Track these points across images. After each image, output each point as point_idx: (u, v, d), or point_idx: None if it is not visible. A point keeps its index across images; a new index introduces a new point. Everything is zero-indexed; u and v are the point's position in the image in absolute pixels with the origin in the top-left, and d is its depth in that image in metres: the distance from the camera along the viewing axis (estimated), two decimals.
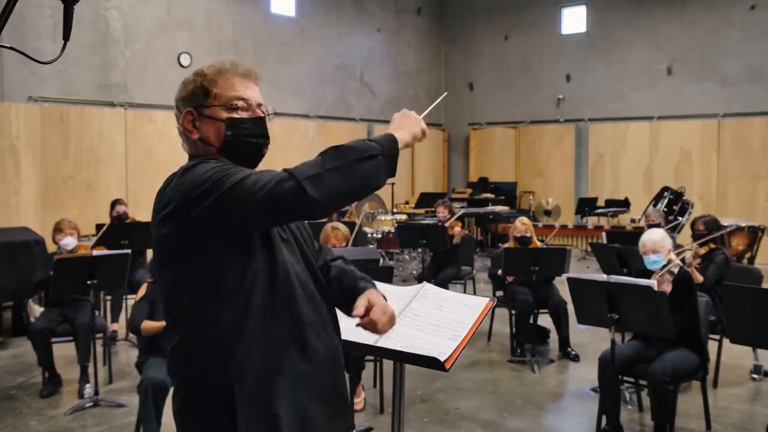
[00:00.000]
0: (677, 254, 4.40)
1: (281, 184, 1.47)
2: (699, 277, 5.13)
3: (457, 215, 8.19)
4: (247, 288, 1.58)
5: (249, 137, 1.72)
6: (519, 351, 5.92)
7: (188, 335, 1.61)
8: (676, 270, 4.26)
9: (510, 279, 6.06)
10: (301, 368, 1.63)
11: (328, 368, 1.68)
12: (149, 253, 6.36)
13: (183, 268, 1.61)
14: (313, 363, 1.64)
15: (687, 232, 8.61)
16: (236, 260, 1.58)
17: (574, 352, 5.86)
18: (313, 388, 1.64)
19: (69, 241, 5.44)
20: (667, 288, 4.13)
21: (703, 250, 5.42)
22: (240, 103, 1.72)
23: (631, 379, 4.57)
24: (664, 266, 4.28)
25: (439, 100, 1.94)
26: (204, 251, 1.58)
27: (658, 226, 6.25)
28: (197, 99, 1.75)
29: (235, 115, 1.71)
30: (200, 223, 1.54)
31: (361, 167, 1.53)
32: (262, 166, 1.73)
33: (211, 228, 1.55)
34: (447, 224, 7.46)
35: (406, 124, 1.72)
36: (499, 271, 6.05)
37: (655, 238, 4.37)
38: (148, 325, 3.99)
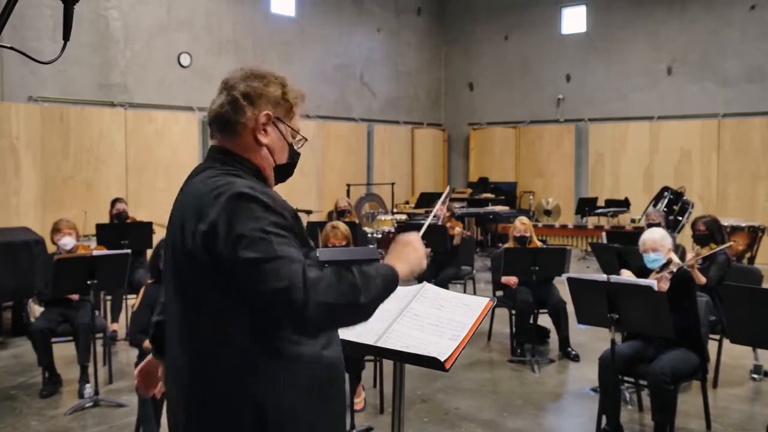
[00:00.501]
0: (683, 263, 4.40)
1: (291, 294, 1.44)
2: (702, 278, 5.14)
3: (451, 213, 8.17)
4: None
5: (293, 168, 1.80)
6: (519, 351, 5.92)
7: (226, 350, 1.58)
8: (675, 269, 4.26)
9: (514, 284, 6.00)
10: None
11: None
12: (149, 253, 6.37)
13: (219, 286, 1.58)
14: None
15: (687, 231, 8.62)
16: None
17: (574, 352, 5.86)
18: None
19: (67, 241, 5.45)
20: (665, 286, 4.13)
21: (705, 252, 5.42)
22: (299, 137, 1.79)
23: (631, 379, 4.57)
24: (664, 265, 4.28)
25: (438, 205, 1.94)
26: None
27: (658, 225, 6.25)
28: (278, 108, 1.72)
29: (295, 145, 1.78)
30: (218, 263, 1.53)
31: (366, 310, 1.55)
32: None
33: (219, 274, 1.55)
34: (447, 224, 7.46)
35: (407, 257, 1.72)
36: (504, 278, 6.02)
37: (655, 237, 4.37)
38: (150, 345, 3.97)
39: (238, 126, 1.67)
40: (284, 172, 1.77)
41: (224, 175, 1.61)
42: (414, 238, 1.76)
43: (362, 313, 1.54)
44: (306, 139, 1.81)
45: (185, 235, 1.58)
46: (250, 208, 1.51)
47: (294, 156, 1.78)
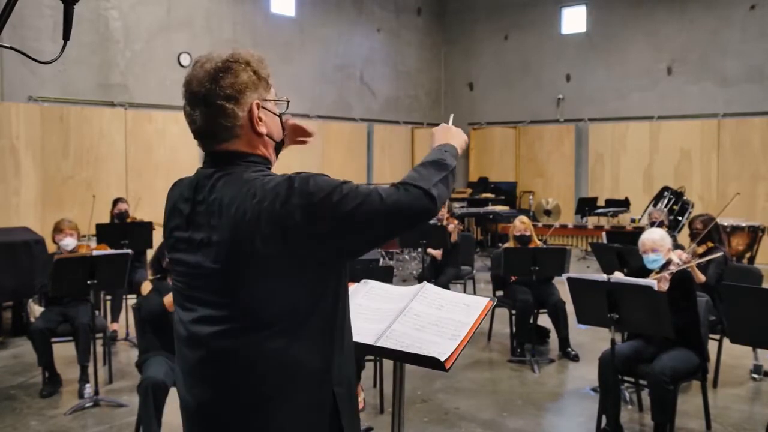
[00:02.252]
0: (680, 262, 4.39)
1: (410, 195, 1.55)
2: (701, 277, 5.14)
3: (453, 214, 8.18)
4: (340, 298, 1.63)
5: (284, 135, 1.77)
6: (519, 351, 5.92)
7: (294, 344, 1.56)
8: (675, 269, 4.26)
9: (513, 278, 6.06)
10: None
11: None
12: (149, 253, 6.36)
13: (290, 281, 1.55)
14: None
15: (687, 231, 8.61)
16: (334, 271, 1.61)
17: (574, 352, 5.86)
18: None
19: (69, 242, 5.45)
20: (665, 286, 4.13)
21: (701, 249, 5.42)
22: (282, 102, 1.74)
23: (631, 379, 4.57)
24: (664, 265, 4.28)
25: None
26: (319, 263, 1.56)
27: (661, 224, 6.26)
28: (258, 90, 1.65)
29: (280, 110, 1.73)
30: (323, 241, 1.52)
31: (449, 179, 1.68)
32: None
33: (333, 245, 1.53)
34: (445, 223, 7.46)
35: (453, 136, 1.82)
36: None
37: (654, 237, 4.37)
38: (171, 299, 3.86)
39: (235, 129, 1.62)
40: (279, 146, 1.76)
41: (257, 174, 1.60)
42: (448, 126, 1.88)
43: (452, 174, 1.70)
44: (288, 101, 1.75)
45: (252, 242, 1.52)
46: (313, 180, 1.53)
47: (285, 127, 1.75)
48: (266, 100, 1.67)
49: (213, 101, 1.59)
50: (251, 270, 1.53)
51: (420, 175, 1.62)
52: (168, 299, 3.85)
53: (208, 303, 1.60)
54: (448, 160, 1.69)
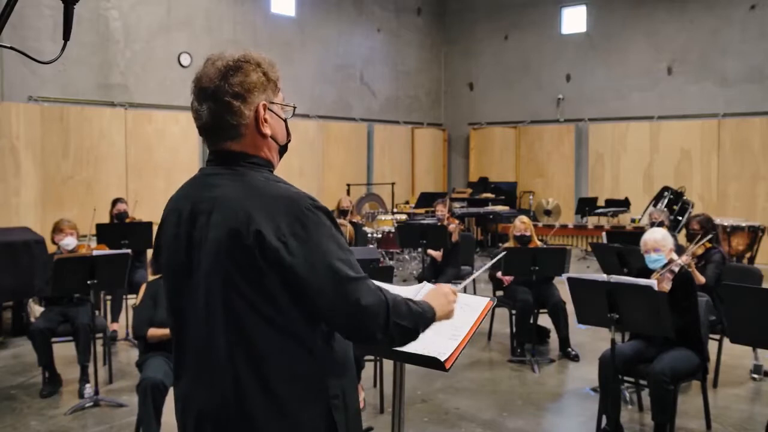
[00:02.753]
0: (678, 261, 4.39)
1: (379, 312, 1.55)
2: (701, 278, 5.14)
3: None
4: None
5: (288, 144, 1.79)
6: (519, 351, 5.92)
7: (296, 352, 1.58)
8: (676, 269, 4.26)
9: (507, 282, 6.05)
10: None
11: None
12: (149, 253, 6.36)
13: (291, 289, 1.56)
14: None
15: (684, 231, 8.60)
16: None
17: (574, 352, 5.86)
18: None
19: (69, 241, 5.44)
20: (667, 286, 4.13)
21: (700, 250, 5.42)
22: (288, 107, 1.75)
23: (631, 379, 4.57)
24: (665, 265, 4.28)
25: (497, 258, 2.04)
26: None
27: (661, 224, 6.26)
28: (266, 92, 1.67)
29: (286, 115, 1.75)
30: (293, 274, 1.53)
31: (416, 338, 1.68)
32: None
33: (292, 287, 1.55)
34: (446, 223, 7.46)
35: (440, 302, 1.79)
36: (499, 273, 6.05)
37: (656, 237, 4.37)
38: (155, 332, 3.99)
39: (240, 128, 1.64)
40: (283, 150, 1.77)
41: (264, 180, 1.61)
42: (450, 291, 1.84)
43: (414, 339, 1.67)
44: (295, 107, 1.76)
45: (242, 247, 1.53)
46: (321, 221, 1.55)
47: (289, 132, 1.76)
48: (273, 102, 1.68)
49: (221, 97, 1.61)
50: (240, 279, 1.54)
51: (405, 312, 1.62)
52: (152, 332, 4.01)
53: (197, 307, 1.61)
54: (422, 328, 1.68)
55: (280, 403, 1.56)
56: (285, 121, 1.74)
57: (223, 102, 1.61)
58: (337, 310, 1.54)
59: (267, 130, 1.66)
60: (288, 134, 1.76)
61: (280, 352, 1.56)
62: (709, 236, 5.29)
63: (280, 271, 1.51)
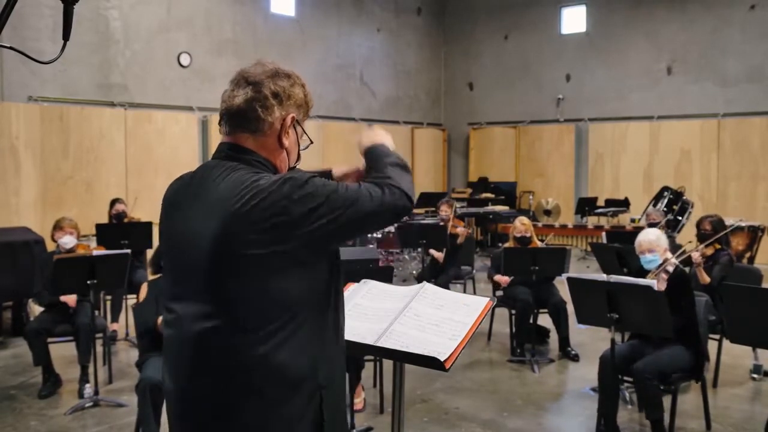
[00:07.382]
0: (680, 254, 4.40)
1: (394, 196, 1.66)
2: (706, 278, 5.14)
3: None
4: (333, 294, 1.66)
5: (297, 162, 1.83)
6: (519, 351, 5.92)
7: (283, 344, 1.57)
8: (671, 269, 4.27)
9: (504, 283, 6.05)
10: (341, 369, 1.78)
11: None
12: (149, 253, 6.36)
13: (281, 278, 1.56)
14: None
15: (687, 231, 8.61)
16: (325, 267, 1.64)
17: (574, 352, 5.86)
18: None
19: (68, 240, 5.43)
20: (662, 286, 4.14)
21: (709, 251, 5.42)
22: (306, 139, 1.79)
23: (631, 379, 4.57)
24: (660, 265, 4.29)
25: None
26: (305, 262, 1.59)
27: (657, 225, 6.26)
28: (300, 111, 1.72)
29: (302, 146, 1.78)
30: (318, 235, 1.56)
31: (411, 179, 1.79)
32: None
33: (326, 239, 1.59)
34: (449, 223, 7.45)
35: (383, 137, 1.88)
36: (497, 276, 6.05)
37: (650, 238, 4.39)
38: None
39: (265, 124, 1.64)
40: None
41: (259, 174, 1.62)
42: (375, 129, 1.93)
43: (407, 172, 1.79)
44: (312, 142, 1.79)
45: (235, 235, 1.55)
46: (310, 183, 1.59)
47: (298, 159, 1.78)
48: (300, 123, 1.73)
49: (261, 89, 1.64)
50: (239, 265, 1.55)
51: (396, 175, 1.71)
52: (161, 320, 3.89)
53: (197, 297, 1.60)
54: (404, 161, 1.79)
55: (265, 392, 1.58)
56: (298, 146, 1.76)
57: (261, 93, 1.64)
58: (376, 224, 1.70)
59: (286, 142, 1.68)
60: (297, 159, 1.78)
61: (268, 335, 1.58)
62: (720, 235, 5.28)
63: (294, 241, 1.54)
